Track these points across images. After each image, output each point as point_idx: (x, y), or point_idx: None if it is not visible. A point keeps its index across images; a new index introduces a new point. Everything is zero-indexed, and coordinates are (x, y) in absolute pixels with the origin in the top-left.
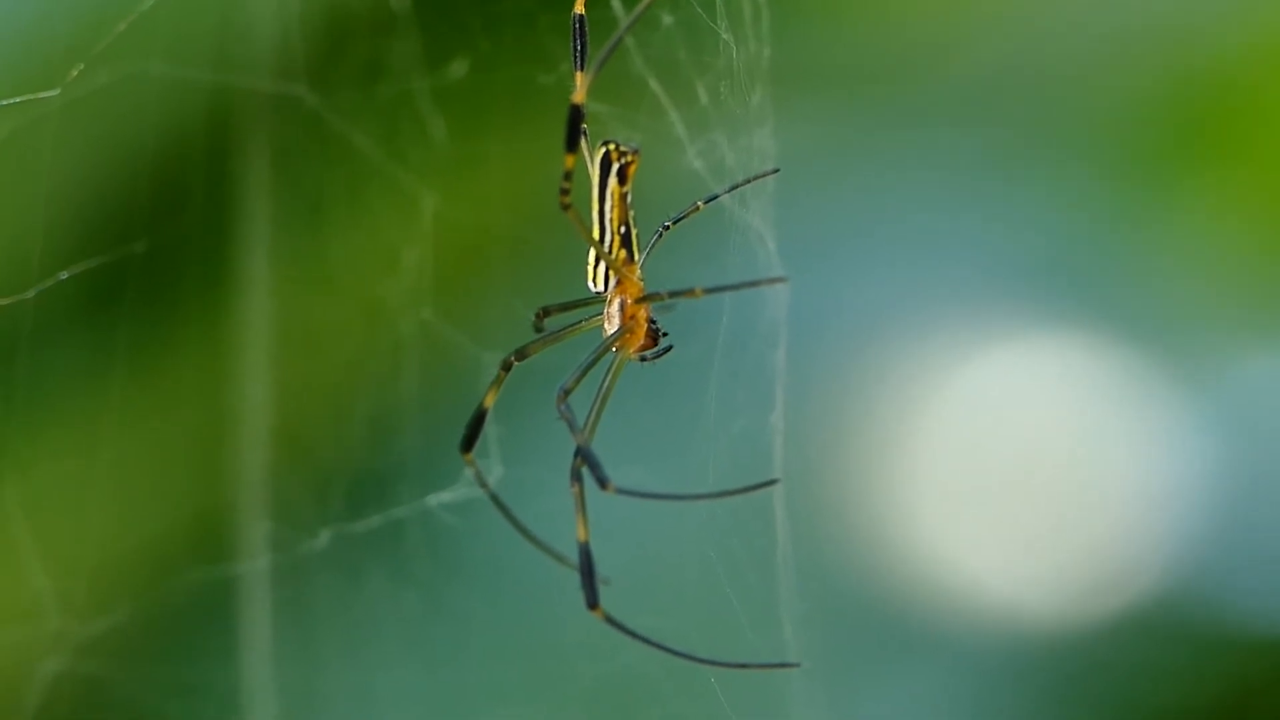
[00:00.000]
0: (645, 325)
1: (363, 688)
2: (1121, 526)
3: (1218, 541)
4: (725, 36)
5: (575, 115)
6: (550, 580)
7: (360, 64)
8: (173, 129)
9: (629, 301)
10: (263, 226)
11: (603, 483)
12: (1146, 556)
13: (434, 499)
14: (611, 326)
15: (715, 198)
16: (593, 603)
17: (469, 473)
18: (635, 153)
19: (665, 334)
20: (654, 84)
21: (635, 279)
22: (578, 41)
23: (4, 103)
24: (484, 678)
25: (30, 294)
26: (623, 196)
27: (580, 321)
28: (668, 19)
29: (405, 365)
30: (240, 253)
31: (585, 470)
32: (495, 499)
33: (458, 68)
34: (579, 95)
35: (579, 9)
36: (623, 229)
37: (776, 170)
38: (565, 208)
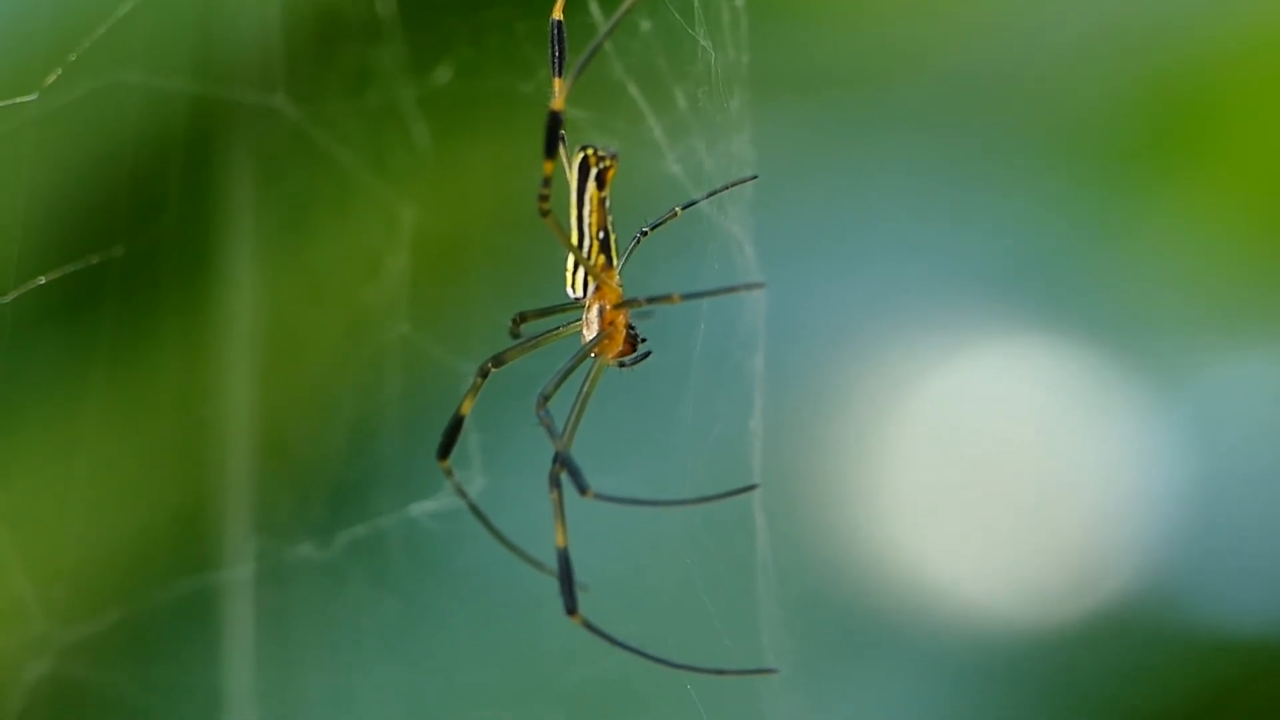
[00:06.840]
0: (624, 331)
1: (342, 691)
2: (1093, 528)
3: (1188, 542)
4: (704, 43)
5: (554, 122)
6: (531, 585)
7: (345, 70)
8: (153, 133)
9: (608, 307)
10: (243, 231)
11: (582, 489)
12: (1118, 558)
13: (417, 508)
14: (590, 332)
15: (694, 204)
16: (571, 609)
17: (447, 480)
18: (614, 157)
19: (644, 340)
20: (633, 89)
21: (614, 284)
22: (556, 48)
23: None
24: (465, 682)
25: (8, 298)
26: (601, 201)
27: (559, 327)
28: (646, 24)
29: (387, 371)
30: (220, 257)
31: (564, 476)
32: (473, 506)
33: (442, 73)
34: (558, 102)
35: (557, 14)
36: (601, 234)
37: (754, 177)
38: (544, 214)
